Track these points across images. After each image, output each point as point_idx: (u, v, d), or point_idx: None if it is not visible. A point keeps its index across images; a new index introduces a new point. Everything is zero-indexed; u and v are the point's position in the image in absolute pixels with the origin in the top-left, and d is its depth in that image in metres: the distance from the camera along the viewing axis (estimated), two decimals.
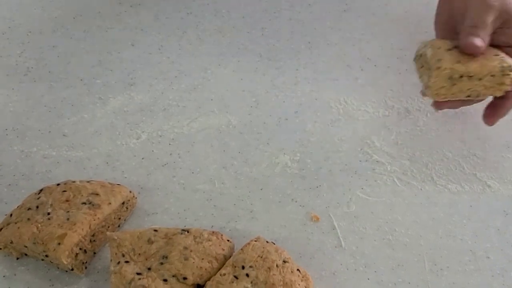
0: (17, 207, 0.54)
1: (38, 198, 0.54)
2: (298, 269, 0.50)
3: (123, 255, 0.49)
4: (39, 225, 0.52)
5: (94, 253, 0.54)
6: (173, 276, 0.48)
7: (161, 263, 0.48)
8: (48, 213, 0.52)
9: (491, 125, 0.61)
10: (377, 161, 0.63)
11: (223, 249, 0.51)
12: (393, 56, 0.75)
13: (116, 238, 0.50)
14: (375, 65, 0.75)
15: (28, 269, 0.53)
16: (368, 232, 0.56)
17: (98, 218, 0.53)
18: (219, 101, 0.70)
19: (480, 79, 0.55)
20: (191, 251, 0.49)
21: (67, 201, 0.54)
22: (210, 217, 0.57)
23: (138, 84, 0.72)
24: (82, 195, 0.54)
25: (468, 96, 0.57)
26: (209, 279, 0.49)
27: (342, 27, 0.80)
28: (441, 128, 0.67)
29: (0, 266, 0.53)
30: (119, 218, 0.56)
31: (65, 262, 0.50)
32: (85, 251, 0.52)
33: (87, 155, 0.63)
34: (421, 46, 0.59)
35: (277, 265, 0.49)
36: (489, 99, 0.61)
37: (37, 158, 0.63)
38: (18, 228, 0.52)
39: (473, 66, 0.55)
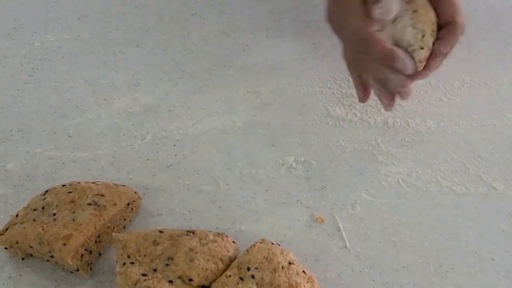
0: (23, 208, 0.55)
1: (43, 199, 0.54)
2: (303, 271, 0.50)
3: (129, 256, 0.50)
4: (45, 225, 0.52)
5: (99, 254, 0.54)
6: (179, 277, 0.48)
7: (167, 265, 0.49)
8: (54, 214, 0.53)
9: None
10: (382, 163, 0.63)
11: (228, 251, 0.51)
12: None
13: (121, 239, 0.50)
14: None
15: (34, 270, 0.53)
16: (373, 234, 0.56)
17: (104, 218, 0.53)
18: (224, 102, 0.70)
19: None
20: (196, 252, 0.49)
21: (72, 202, 0.54)
22: (215, 218, 0.57)
23: (143, 85, 0.72)
24: (87, 196, 0.54)
25: None
26: (214, 280, 0.49)
27: None
28: (446, 129, 0.66)
29: (6, 267, 0.53)
30: (124, 219, 0.56)
31: (70, 263, 0.50)
32: (90, 252, 0.52)
33: (92, 156, 0.63)
34: None
35: (282, 267, 0.49)
36: None
37: (42, 159, 0.63)
38: (24, 228, 0.52)
39: None
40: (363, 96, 0.66)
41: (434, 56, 0.58)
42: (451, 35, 0.59)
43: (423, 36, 0.58)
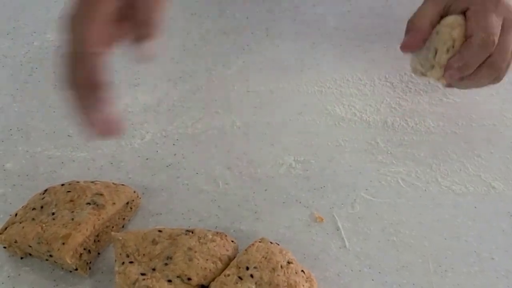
0: (22, 207, 0.55)
1: (42, 198, 0.54)
2: (302, 270, 0.50)
3: (128, 256, 0.49)
4: (44, 225, 0.52)
5: (98, 253, 0.54)
6: (178, 276, 0.48)
7: (166, 264, 0.48)
8: (53, 213, 0.53)
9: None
10: (381, 162, 0.63)
11: (227, 250, 0.51)
12: (397, 56, 0.75)
13: (120, 238, 0.50)
14: (379, 66, 0.75)
15: (33, 269, 0.53)
16: (373, 233, 0.56)
17: (103, 218, 0.53)
18: (224, 102, 0.70)
19: None
20: (195, 251, 0.49)
21: (71, 201, 0.54)
22: (214, 218, 0.57)
23: (143, 85, 0.72)
24: (86, 195, 0.54)
25: None
26: (213, 279, 0.48)
27: (346, 28, 0.80)
28: (446, 129, 0.66)
29: (4, 266, 0.53)
30: (123, 219, 0.56)
31: (69, 262, 0.50)
32: (89, 251, 0.52)
33: (91, 156, 0.63)
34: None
35: (281, 266, 0.49)
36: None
37: (41, 158, 0.63)
38: (23, 227, 0.52)
39: None
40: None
41: (446, 70, 0.58)
42: (465, 49, 0.58)
43: (435, 54, 0.58)
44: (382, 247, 0.55)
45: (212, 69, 0.74)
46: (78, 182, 0.56)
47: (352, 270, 0.53)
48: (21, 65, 0.74)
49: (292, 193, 0.60)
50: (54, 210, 0.53)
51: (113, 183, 0.57)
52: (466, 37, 0.58)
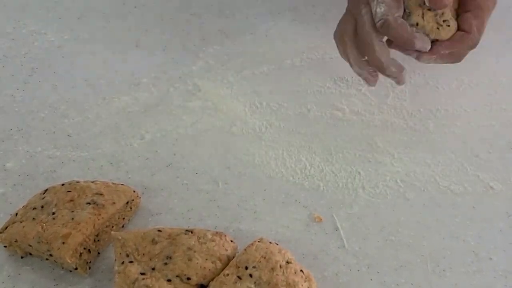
0: (22, 206, 0.55)
1: (43, 198, 0.54)
2: (301, 270, 0.50)
3: (127, 255, 0.50)
4: (44, 224, 0.52)
5: (98, 253, 0.54)
6: (177, 276, 0.48)
7: (165, 263, 0.49)
8: (53, 213, 0.53)
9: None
10: (380, 162, 0.63)
11: (227, 250, 0.51)
12: (397, 56, 0.75)
13: (120, 238, 0.51)
14: None
15: (33, 269, 0.53)
16: (371, 233, 0.56)
17: (102, 217, 0.53)
18: (223, 102, 0.70)
19: None
20: (194, 251, 0.49)
21: (71, 201, 0.54)
22: (214, 218, 0.58)
23: (142, 85, 0.72)
24: (86, 195, 0.55)
25: None
26: (212, 279, 0.49)
27: None
28: (445, 129, 0.67)
29: (5, 265, 0.53)
30: (123, 218, 0.56)
31: (69, 261, 0.50)
32: (89, 251, 0.53)
33: (91, 156, 0.63)
34: None
35: (280, 266, 0.49)
36: None
37: (41, 158, 0.63)
38: (23, 227, 0.52)
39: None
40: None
41: (429, 53, 0.59)
42: (458, 42, 0.59)
43: (442, 13, 0.58)
44: (381, 246, 0.55)
45: (212, 69, 0.74)
46: (78, 181, 0.56)
47: (350, 270, 0.53)
48: (21, 65, 0.74)
49: (291, 193, 0.60)
50: (54, 210, 0.53)
51: (113, 183, 0.57)
52: (462, 29, 0.59)
